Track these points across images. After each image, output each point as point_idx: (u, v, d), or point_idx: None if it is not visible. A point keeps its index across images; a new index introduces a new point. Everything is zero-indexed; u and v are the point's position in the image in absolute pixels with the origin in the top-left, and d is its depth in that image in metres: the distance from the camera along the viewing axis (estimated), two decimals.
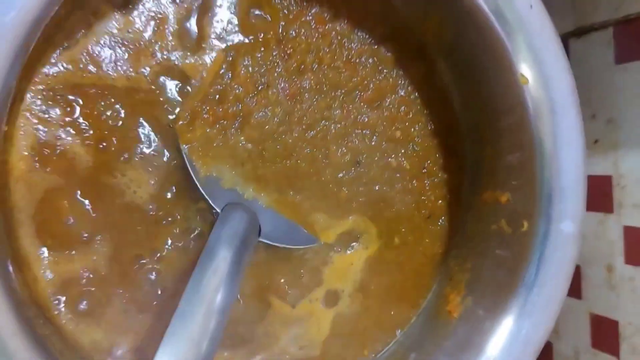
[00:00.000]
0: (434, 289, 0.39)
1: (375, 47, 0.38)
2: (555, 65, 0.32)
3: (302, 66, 0.36)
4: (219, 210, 0.35)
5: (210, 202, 0.35)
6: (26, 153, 0.32)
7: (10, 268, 0.28)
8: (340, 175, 0.38)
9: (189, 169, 0.34)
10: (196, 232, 0.36)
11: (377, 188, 0.38)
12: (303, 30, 0.36)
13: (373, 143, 0.38)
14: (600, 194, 0.42)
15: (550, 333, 0.45)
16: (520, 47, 0.32)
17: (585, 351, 0.43)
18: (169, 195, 0.35)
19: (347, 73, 0.37)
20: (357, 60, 0.37)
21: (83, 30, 0.33)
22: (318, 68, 0.37)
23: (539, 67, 0.32)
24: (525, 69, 0.32)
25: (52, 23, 0.28)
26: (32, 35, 0.27)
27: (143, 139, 0.34)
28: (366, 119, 0.38)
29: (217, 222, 0.33)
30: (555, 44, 0.32)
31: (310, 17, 0.36)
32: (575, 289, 0.44)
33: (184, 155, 0.34)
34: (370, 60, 0.38)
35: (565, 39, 0.44)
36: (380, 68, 0.38)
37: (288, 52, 0.36)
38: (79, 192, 0.33)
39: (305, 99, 0.37)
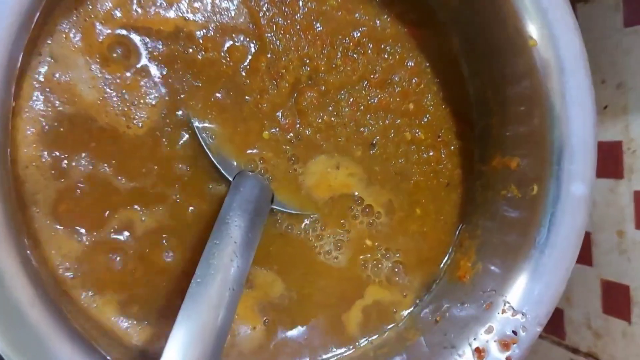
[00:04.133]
0: (448, 256, 0.40)
1: (384, 17, 0.37)
2: (563, 25, 0.31)
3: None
4: (231, 179, 0.35)
5: (222, 170, 0.35)
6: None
7: (26, 243, 0.28)
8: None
9: (200, 141, 0.34)
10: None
11: (393, 164, 0.38)
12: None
13: (387, 122, 0.38)
14: (610, 160, 0.42)
15: (561, 300, 0.46)
16: (528, 8, 0.32)
17: (597, 317, 0.43)
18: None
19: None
20: (364, 40, 0.37)
21: None
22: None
23: (547, 28, 0.32)
24: (533, 31, 0.32)
25: None
26: (35, 7, 0.27)
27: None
28: (377, 100, 0.38)
29: (229, 190, 0.34)
30: (563, 4, 0.31)
31: None
32: (585, 256, 0.44)
33: (196, 129, 0.34)
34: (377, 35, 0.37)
35: (573, 4, 0.43)
36: (387, 44, 0.38)
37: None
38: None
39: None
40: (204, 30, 0.35)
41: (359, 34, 0.37)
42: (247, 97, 0.35)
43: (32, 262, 0.28)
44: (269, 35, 0.36)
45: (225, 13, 0.35)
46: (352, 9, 0.37)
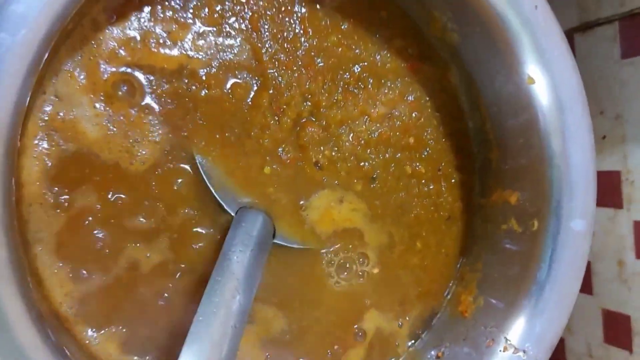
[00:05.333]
0: (449, 290, 0.40)
1: (384, 52, 0.38)
2: (561, 64, 0.32)
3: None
4: (233, 214, 0.35)
5: (224, 206, 0.35)
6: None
7: (29, 281, 0.28)
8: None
9: (203, 175, 0.35)
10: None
11: (394, 197, 0.39)
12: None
13: (388, 155, 0.38)
14: (609, 190, 0.42)
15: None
16: (526, 48, 0.32)
17: (598, 346, 0.43)
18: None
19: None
20: (364, 75, 0.38)
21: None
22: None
23: (545, 67, 0.32)
24: (531, 70, 0.32)
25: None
26: (43, 51, 0.28)
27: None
28: (377, 134, 0.38)
29: (231, 226, 0.34)
30: (562, 43, 0.32)
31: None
32: (586, 285, 0.44)
33: (199, 165, 0.35)
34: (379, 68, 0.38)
35: (570, 35, 0.44)
36: (388, 78, 0.38)
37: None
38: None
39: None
40: (207, 68, 0.35)
41: (359, 69, 0.38)
42: (249, 133, 0.36)
43: (35, 302, 0.28)
44: (271, 71, 0.36)
45: (228, 50, 0.36)
46: (353, 44, 0.37)
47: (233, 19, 0.35)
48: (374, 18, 0.37)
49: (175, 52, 0.35)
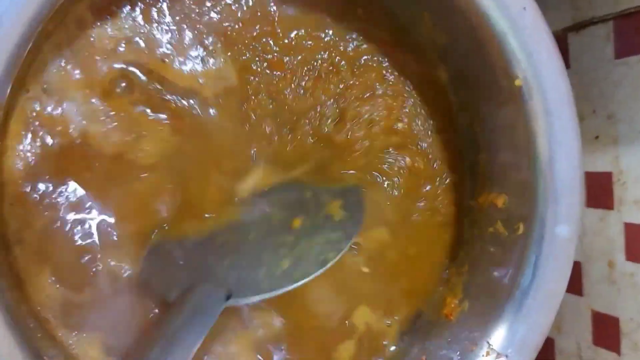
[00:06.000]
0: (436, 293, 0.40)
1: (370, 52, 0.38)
2: (549, 67, 0.32)
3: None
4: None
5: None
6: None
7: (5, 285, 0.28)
8: None
9: None
10: None
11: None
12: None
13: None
14: (600, 191, 0.42)
15: (552, 330, 0.46)
16: (514, 49, 0.32)
17: (587, 348, 0.43)
18: None
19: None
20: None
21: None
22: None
23: (532, 69, 0.32)
24: (519, 71, 0.32)
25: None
26: (22, 50, 0.27)
27: None
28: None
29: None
30: (550, 45, 0.32)
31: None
32: (576, 286, 0.44)
33: None
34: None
35: (564, 34, 0.44)
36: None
37: None
38: None
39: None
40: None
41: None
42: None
43: (13, 302, 0.28)
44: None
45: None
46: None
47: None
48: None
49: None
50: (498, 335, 0.32)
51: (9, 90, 0.28)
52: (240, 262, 0.34)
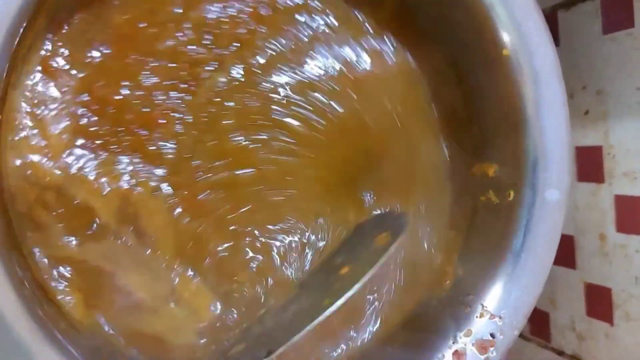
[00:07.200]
0: None
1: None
2: (536, 37, 0.32)
3: None
4: None
5: None
6: None
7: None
8: None
9: None
10: None
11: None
12: None
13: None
14: (591, 165, 0.42)
15: (547, 304, 0.47)
16: (502, 19, 0.32)
17: (581, 320, 0.44)
18: None
19: None
20: None
21: None
22: None
23: (520, 39, 0.32)
24: (507, 41, 0.33)
25: None
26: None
27: None
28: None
29: None
30: (537, 15, 0.32)
31: None
32: (569, 259, 0.45)
33: None
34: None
35: (554, 11, 0.44)
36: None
37: None
38: None
39: None
40: None
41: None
42: None
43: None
44: None
45: None
46: None
47: None
48: None
49: None
50: (492, 298, 0.33)
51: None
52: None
